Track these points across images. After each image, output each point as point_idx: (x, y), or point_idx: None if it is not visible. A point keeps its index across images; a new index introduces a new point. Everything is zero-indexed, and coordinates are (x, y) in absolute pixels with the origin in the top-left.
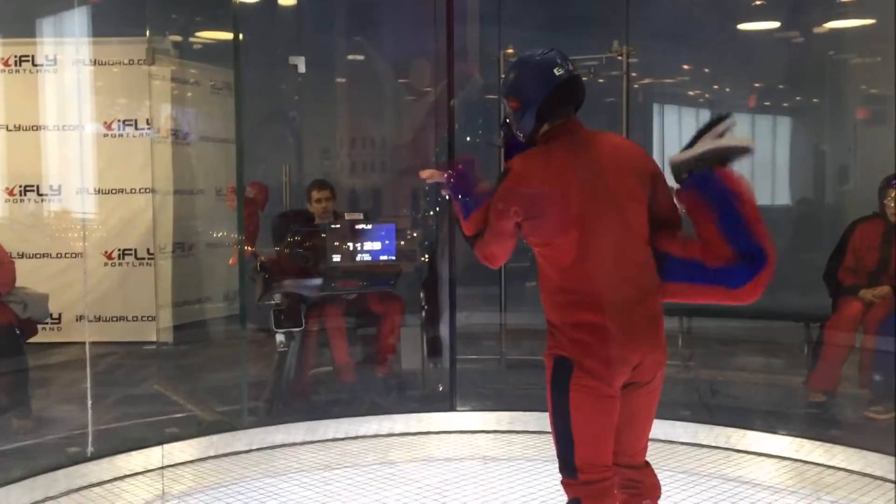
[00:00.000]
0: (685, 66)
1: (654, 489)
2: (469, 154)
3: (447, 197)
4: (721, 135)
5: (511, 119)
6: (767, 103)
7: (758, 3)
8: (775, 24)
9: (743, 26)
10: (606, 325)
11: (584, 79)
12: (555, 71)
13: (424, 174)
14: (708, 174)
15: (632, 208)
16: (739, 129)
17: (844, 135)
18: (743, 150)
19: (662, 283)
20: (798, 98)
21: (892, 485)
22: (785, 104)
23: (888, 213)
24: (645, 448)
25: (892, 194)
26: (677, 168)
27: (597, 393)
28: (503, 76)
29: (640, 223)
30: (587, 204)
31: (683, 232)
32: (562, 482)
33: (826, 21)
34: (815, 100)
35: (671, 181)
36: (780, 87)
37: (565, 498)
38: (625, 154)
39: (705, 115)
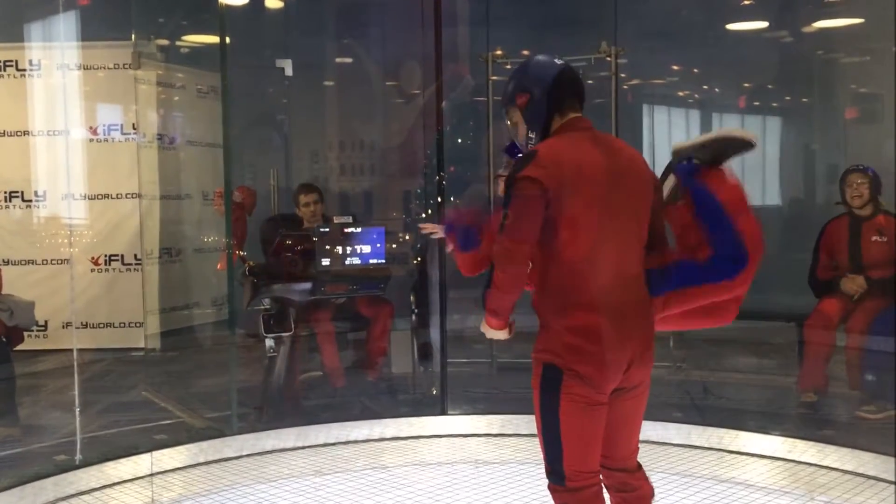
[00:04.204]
0: (674, 67)
1: (647, 494)
2: (467, 205)
3: (449, 250)
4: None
5: (520, 121)
6: (757, 103)
7: (746, 2)
8: (764, 24)
9: (732, 26)
10: (603, 328)
11: None
12: (554, 61)
13: (425, 229)
14: (691, 170)
15: (644, 212)
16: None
17: (834, 134)
18: (745, 144)
19: (651, 297)
20: (787, 98)
21: (886, 484)
22: (774, 104)
23: (848, 198)
24: (636, 450)
25: (851, 179)
26: (678, 154)
27: (587, 401)
28: (502, 94)
29: (646, 228)
30: (610, 201)
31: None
32: (549, 488)
33: (815, 20)
34: (804, 99)
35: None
36: (770, 86)
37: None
38: (639, 159)
39: (695, 116)
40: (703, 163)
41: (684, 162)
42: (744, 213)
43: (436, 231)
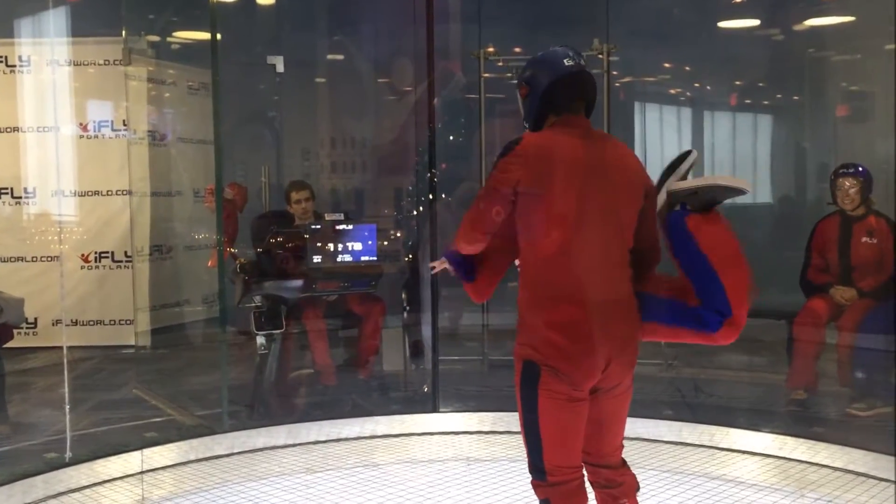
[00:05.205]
0: (666, 65)
1: (632, 488)
2: None
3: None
4: (685, 175)
5: (521, 108)
6: (748, 101)
7: (738, 0)
8: (755, 22)
9: (723, 24)
10: (582, 324)
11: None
12: (564, 61)
13: (434, 268)
14: (677, 223)
15: (627, 214)
16: (721, 128)
17: (825, 132)
18: (737, 192)
19: (641, 321)
20: (779, 96)
21: (876, 481)
22: (765, 102)
23: (839, 201)
24: (620, 447)
25: (842, 182)
26: (673, 197)
27: (565, 397)
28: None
29: (630, 230)
30: (589, 195)
31: (660, 270)
32: (531, 483)
33: (806, 19)
34: (795, 97)
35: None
36: (761, 84)
37: None
38: (630, 160)
39: (686, 113)
40: (694, 209)
41: (677, 207)
42: (733, 266)
43: (443, 265)
